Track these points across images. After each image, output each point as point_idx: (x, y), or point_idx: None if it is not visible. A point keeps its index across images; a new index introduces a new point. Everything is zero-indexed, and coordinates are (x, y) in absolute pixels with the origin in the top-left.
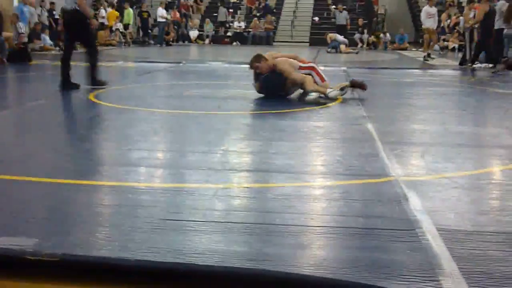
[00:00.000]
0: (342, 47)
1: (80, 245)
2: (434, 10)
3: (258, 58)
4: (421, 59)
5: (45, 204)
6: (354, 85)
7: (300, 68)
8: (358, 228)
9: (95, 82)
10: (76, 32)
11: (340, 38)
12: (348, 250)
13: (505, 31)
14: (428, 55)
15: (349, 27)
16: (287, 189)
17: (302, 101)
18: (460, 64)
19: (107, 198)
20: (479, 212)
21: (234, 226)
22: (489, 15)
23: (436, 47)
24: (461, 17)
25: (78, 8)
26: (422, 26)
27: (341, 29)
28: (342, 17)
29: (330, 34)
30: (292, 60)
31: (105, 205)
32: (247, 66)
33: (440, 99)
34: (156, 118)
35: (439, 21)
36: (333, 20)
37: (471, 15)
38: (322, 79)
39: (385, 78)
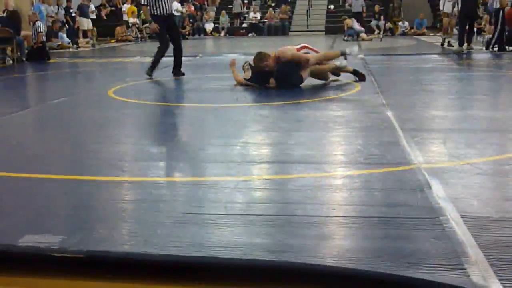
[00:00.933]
0: (363, 35)
1: (104, 241)
2: None
3: (262, 57)
4: (439, 44)
5: (67, 200)
6: (355, 73)
7: (297, 50)
8: (381, 217)
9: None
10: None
11: (357, 26)
12: (372, 240)
13: None
14: (448, 42)
15: (365, 14)
16: (307, 179)
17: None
18: (487, 47)
19: (129, 193)
20: (503, 198)
21: (256, 218)
22: None
23: (455, 31)
24: None
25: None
26: (441, 10)
27: (357, 17)
28: (358, 4)
29: (348, 20)
30: (288, 46)
31: (127, 201)
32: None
33: (459, 84)
34: (175, 112)
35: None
36: (348, 7)
37: None
38: (317, 52)
39: (403, 65)
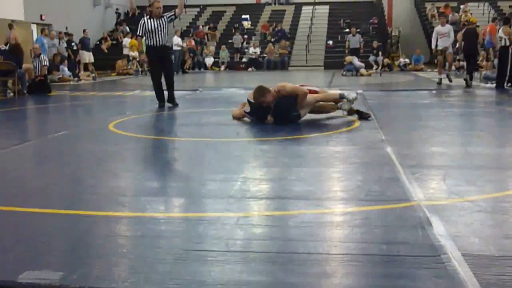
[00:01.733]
0: (363, 71)
1: (104, 278)
2: (447, 29)
3: (261, 92)
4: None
5: (67, 236)
6: (359, 114)
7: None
8: (382, 255)
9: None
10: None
11: (357, 62)
12: (373, 278)
13: None
14: (447, 76)
15: (362, 50)
16: (308, 216)
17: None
18: (498, 84)
19: (129, 229)
20: (504, 236)
21: (257, 255)
22: None
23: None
24: (501, 35)
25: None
26: (433, 48)
27: (355, 53)
28: (356, 41)
29: (348, 57)
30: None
31: (127, 236)
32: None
33: (458, 120)
34: (175, 146)
35: (455, 41)
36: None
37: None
38: (316, 92)
39: (401, 100)
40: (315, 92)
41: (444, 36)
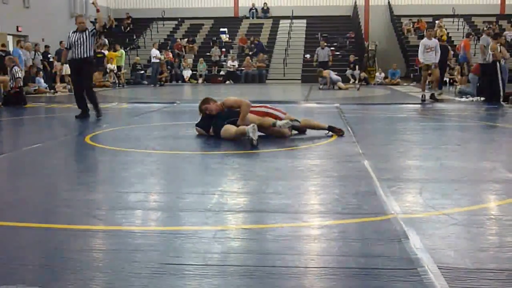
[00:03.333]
0: (340, 84)
1: None
2: (433, 42)
3: (206, 100)
4: (418, 96)
5: (42, 250)
6: (332, 130)
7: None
8: (359, 268)
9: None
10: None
11: (334, 76)
12: None
13: None
14: (432, 95)
15: (331, 63)
16: (286, 229)
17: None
18: (497, 100)
19: (105, 243)
20: (479, 249)
21: (234, 269)
22: None
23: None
24: (490, 52)
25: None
26: (420, 61)
27: (324, 66)
28: (325, 54)
29: (324, 71)
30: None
31: (103, 250)
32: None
33: (433, 134)
34: (152, 159)
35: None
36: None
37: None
38: (284, 113)
39: (378, 114)
40: (282, 112)
41: (431, 50)
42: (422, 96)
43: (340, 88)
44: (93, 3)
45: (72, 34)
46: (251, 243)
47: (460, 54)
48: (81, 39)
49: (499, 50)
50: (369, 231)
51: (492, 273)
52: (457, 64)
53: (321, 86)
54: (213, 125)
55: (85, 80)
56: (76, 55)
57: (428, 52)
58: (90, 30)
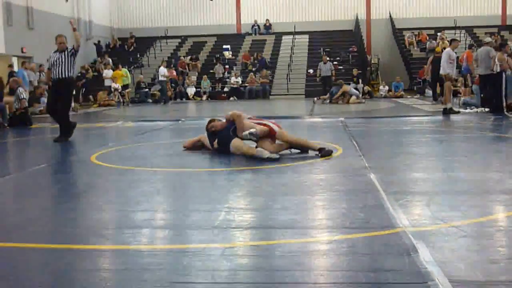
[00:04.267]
0: (353, 98)
1: None
2: (454, 55)
3: (212, 120)
4: (423, 109)
5: (49, 271)
6: (321, 152)
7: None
8: (369, 283)
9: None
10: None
11: (354, 90)
12: None
13: None
14: (450, 109)
15: (334, 77)
16: (294, 245)
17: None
18: (500, 110)
19: (113, 262)
20: (489, 261)
21: (244, 286)
22: None
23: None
24: (497, 62)
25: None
26: (441, 72)
27: (326, 81)
28: (327, 69)
29: (346, 86)
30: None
31: (111, 270)
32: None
33: (440, 146)
34: (158, 177)
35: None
36: (318, 71)
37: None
38: (278, 126)
39: (383, 127)
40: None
41: (452, 61)
42: (448, 108)
43: (348, 103)
44: (70, 22)
45: (53, 54)
46: (259, 260)
47: (463, 66)
48: (60, 59)
49: (506, 61)
50: (378, 245)
51: (504, 286)
52: (460, 76)
53: (326, 101)
54: (219, 137)
55: (61, 100)
56: (55, 75)
57: (451, 64)
58: (69, 50)
